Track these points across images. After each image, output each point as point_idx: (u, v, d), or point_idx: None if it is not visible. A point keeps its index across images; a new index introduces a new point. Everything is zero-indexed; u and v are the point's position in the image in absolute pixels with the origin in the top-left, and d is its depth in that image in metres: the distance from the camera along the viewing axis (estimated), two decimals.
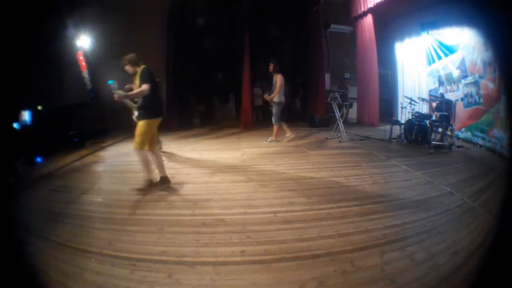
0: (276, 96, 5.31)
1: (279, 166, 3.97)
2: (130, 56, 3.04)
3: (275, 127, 5.54)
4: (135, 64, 3.02)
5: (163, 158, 3.51)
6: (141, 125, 2.99)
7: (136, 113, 3.05)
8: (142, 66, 3.04)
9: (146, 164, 3.10)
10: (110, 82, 2.87)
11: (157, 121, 3.11)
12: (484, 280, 1.23)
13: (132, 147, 3.09)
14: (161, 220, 2.45)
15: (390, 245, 2.02)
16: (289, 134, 5.73)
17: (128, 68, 3.04)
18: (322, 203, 2.71)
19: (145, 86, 2.86)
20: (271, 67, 5.38)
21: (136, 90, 2.93)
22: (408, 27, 7.18)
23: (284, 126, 5.70)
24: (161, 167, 3.26)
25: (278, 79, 5.29)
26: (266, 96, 5.54)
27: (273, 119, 5.50)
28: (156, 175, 3.32)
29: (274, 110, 5.44)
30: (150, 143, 3.15)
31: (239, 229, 2.26)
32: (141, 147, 3.01)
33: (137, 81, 2.99)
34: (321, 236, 2.13)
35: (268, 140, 5.65)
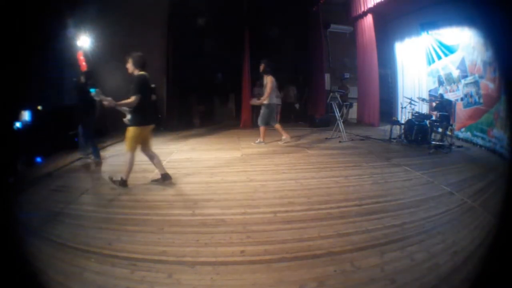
0: (270, 97, 5.19)
1: (279, 166, 3.97)
2: (136, 55, 3.06)
3: (261, 129, 5.39)
4: (137, 66, 3.06)
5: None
6: (130, 130, 3.10)
7: (127, 117, 3.11)
8: (140, 73, 3.06)
9: (129, 165, 3.18)
10: (92, 90, 2.97)
11: (146, 128, 3.20)
12: (484, 280, 1.23)
13: (125, 148, 3.21)
14: (161, 220, 2.45)
15: (390, 245, 2.02)
16: (285, 136, 5.54)
17: (129, 66, 3.07)
18: (322, 203, 2.72)
19: (132, 98, 2.95)
20: (262, 67, 5.26)
21: (124, 101, 2.99)
22: (408, 27, 7.19)
23: (279, 128, 5.51)
24: (159, 165, 3.34)
25: (269, 81, 5.16)
26: (255, 101, 5.45)
27: (259, 120, 5.36)
28: (157, 174, 3.40)
29: (262, 111, 5.31)
30: (145, 145, 3.26)
31: (239, 229, 2.26)
32: (130, 150, 3.15)
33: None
34: (321, 236, 2.13)
35: (256, 141, 5.49)
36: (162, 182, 3.30)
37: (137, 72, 3.08)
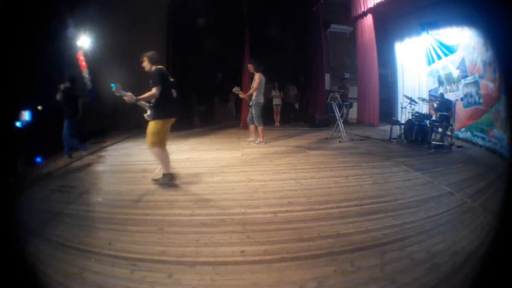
0: (256, 95, 5.10)
1: (279, 166, 3.97)
2: (151, 53, 3.11)
3: (260, 129, 5.34)
4: (153, 63, 3.09)
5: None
6: (152, 124, 3.07)
7: (148, 112, 3.10)
8: (157, 67, 3.08)
9: (162, 158, 3.17)
10: (112, 85, 2.92)
11: (169, 121, 3.17)
12: (484, 280, 1.23)
13: (147, 145, 3.17)
14: (161, 220, 2.45)
15: (390, 245, 2.02)
16: (252, 138, 5.51)
17: (146, 64, 3.11)
18: (322, 203, 2.71)
19: (154, 90, 2.94)
20: (251, 68, 5.19)
21: (145, 94, 2.97)
22: (408, 27, 7.19)
23: (253, 128, 5.49)
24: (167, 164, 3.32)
25: (257, 77, 5.06)
26: (241, 94, 5.33)
27: (256, 121, 5.25)
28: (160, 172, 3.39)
29: (254, 111, 5.19)
30: (161, 141, 3.20)
31: (239, 229, 2.26)
32: (152, 145, 3.10)
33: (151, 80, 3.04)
34: (321, 236, 2.13)
35: (256, 142, 5.44)
36: (163, 182, 3.27)
37: (154, 68, 3.10)
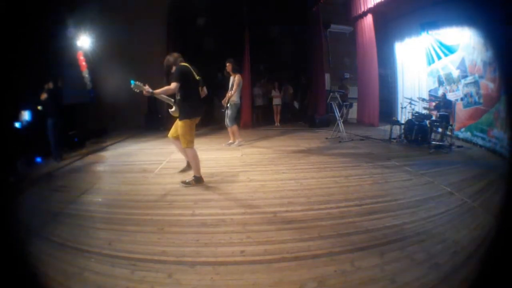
0: (235, 96, 5.03)
1: (279, 166, 3.97)
2: (171, 57, 3.12)
3: (234, 128, 5.25)
4: (176, 63, 3.09)
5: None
6: (181, 125, 3.07)
7: (173, 108, 3.09)
8: (180, 64, 3.08)
9: (195, 161, 3.19)
10: (131, 82, 2.89)
11: (195, 120, 3.18)
12: (484, 280, 1.23)
13: (182, 146, 3.18)
14: (161, 220, 2.45)
15: (390, 245, 2.02)
16: (232, 140, 5.39)
17: (172, 68, 3.09)
18: (322, 203, 2.71)
19: (172, 85, 2.91)
20: (229, 67, 5.06)
21: (163, 88, 2.94)
22: (408, 27, 7.18)
23: (236, 129, 5.36)
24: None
25: (237, 78, 5.00)
26: (224, 100, 5.12)
27: (228, 122, 5.15)
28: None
29: (230, 111, 5.09)
30: (176, 135, 3.24)
31: (239, 229, 2.26)
32: (188, 145, 3.10)
33: None
34: (321, 236, 2.13)
35: (235, 143, 5.32)
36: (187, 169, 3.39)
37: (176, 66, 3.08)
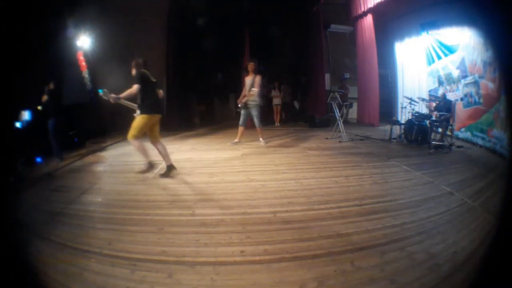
0: (257, 97, 5.10)
1: (279, 166, 3.97)
2: (136, 60, 3.38)
3: (260, 129, 5.35)
4: (137, 68, 3.34)
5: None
6: (137, 119, 3.30)
7: (137, 112, 3.33)
8: (139, 71, 3.34)
9: (141, 150, 3.40)
10: (100, 90, 3.20)
11: (154, 117, 3.41)
12: (484, 280, 1.23)
13: (127, 137, 3.36)
14: (161, 220, 2.45)
15: (390, 245, 2.02)
16: (238, 140, 5.44)
17: (133, 71, 3.36)
18: (322, 203, 2.71)
19: (134, 87, 3.22)
20: (252, 66, 5.10)
21: (127, 91, 3.24)
22: (408, 27, 7.18)
23: (242, 130, 5.39)
24: (167, 157, 3.58)
25: (259, 79, 5.07)
26: (240, 100, 5.17)
27: (257, 122, 5.24)
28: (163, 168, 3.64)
29: (255, 112, 5.16)
30: (153, 137, 3.53)
31: (239, 229, 2.25)
32: (133, 138, 3.31)
33: None
34: (321, 236, 2.13)
35: (262, 143, 5.40)
36: (168, 174, 3.52)
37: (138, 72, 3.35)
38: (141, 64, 3.38)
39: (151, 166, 3.52)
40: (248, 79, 5.18)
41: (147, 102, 3.32)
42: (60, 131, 4.61)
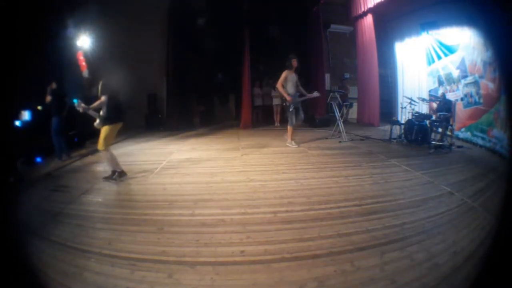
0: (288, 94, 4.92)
1: (279, 166, 3.97)
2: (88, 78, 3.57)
3: (290, 128, 5.15)
4: (100, 79, 3.46)
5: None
6: (104, 129, 3.39)
7: (98, 121, 3.41)
8: (103, 80, 3.46)
9: (112, 160, 3.49)
10: (74, 100, 3.32)
11: (118, 126, 3.52)
12: (484, 280, 1.23)
13: (98, 148, 3.43)
14: (161, 220, 2.45)
15: (390, 245, 2.02)
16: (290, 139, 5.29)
17: (99, 85, 3.45)
18: (322, 203, 2.71)
19: (103, 98, 3.36)
20: (296, 62, 4.95)
21: (96, 102, 3.37)
22: (408, 27, 7.19)
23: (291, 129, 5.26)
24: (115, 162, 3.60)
25: (296, 79, 5.00)
26: (289, 97, 4.91)
27: (291, 121, 5.04)
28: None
29: (293, 108, 4.94)
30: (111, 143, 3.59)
31: (239, 229, 2.25)
32: (106, 148, 3.40)
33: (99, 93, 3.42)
34: (321, 236, 2.13)
35: (293, 145, 5.14)
36: (114, 178, 3.49)
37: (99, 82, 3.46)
38: (102, 77, 3.50)
39: (121, 174, 3.52)
40: (291, 76, 4.96)
41: (112, 112, 3.42)
42: (63, 129, 4.67)
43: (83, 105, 3.28)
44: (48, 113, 4.56)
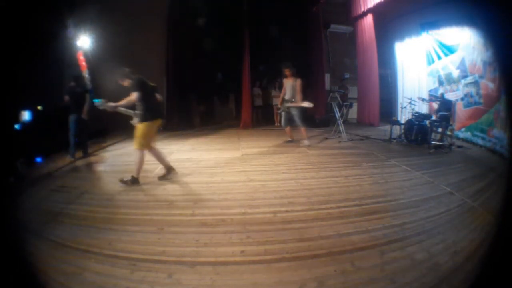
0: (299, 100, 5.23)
1: (279, 166, 3.97)
2: (122, 71, 3.27)
3: (304, 129, 5.31)
4: (127, 77, 3.23)
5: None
6: (140, 127, 3.22)
7: (135, 119, 3.27)
8: (134, 77, 3.24)
9: (140, 163, 3.31)
10: (96, 100, 3.15)
11: (155, 123, 3.34)
12: (484, 280, 1.23)
13: (133, 147, 3.31)
14: (161, 220, 2.45)
15: (390, 245, 2.02)
16: (306, 140, 5.41)
17: (122, 81, 3.26)
18: (322, 203, 2.71)
19: (133, 95, 3.13)
20: (289, 70, 5.32)
21: (125, 99, 3.15)
22: (408, 27, 7.18)
23: (289, 129, 5.49)
24: (163, 160, 3.52)
25: (300, 83, 5.25)
26: (281, 102, 5.35)
27: (299, 123, 5.22)
28: (162, 169, 3.58)
29: (297, 112, 5.20)
30: (149, 143, 3.38)
31: (239, 229, 2.25)
32: (141, 147, 3.26)
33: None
34: (321, 236, 2.13)
35: (306, 144, 5.21)
36: (167, 176, 3.46)
37: (131, 79, 3.22)
38: (128, 73, 3.27)
39: (135, 181, 3.31)
40: (288, 82, 5.30)
41: (148, 108, 3.24)
42: (81, 127, 4.71)
43: (110, 103, 3.09)
44: (52, 113, 4.59)
